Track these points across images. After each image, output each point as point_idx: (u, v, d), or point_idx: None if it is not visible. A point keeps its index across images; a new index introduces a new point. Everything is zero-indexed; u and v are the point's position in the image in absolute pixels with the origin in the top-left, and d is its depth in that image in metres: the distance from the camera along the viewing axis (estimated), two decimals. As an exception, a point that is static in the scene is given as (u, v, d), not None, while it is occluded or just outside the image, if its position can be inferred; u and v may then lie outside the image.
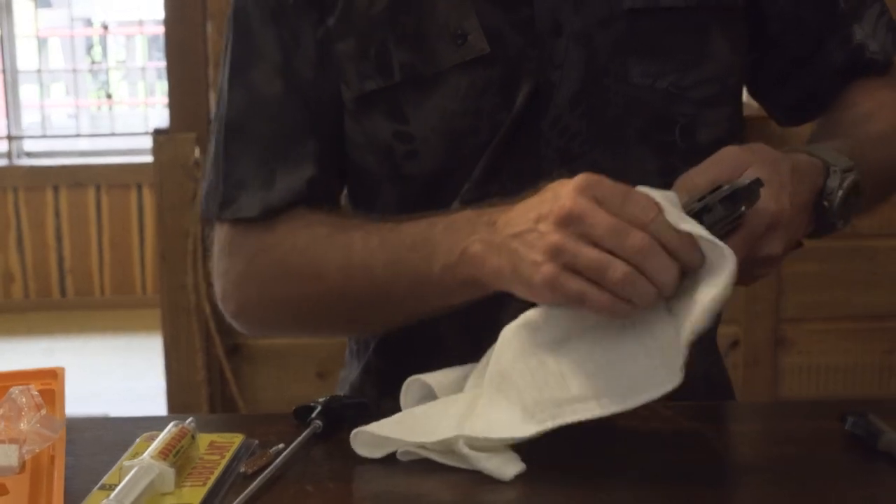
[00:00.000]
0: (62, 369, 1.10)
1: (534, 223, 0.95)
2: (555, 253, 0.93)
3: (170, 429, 0.99)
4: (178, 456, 0.96)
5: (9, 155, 5.70)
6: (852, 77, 1.23)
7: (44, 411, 0.96)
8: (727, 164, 0.99)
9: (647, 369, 0.94)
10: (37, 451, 0.96)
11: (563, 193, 0.94)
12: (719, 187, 0.95)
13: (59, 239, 5.66)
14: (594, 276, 0.92)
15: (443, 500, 0.94)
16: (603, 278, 0.92)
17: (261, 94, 1.17)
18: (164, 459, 0.94)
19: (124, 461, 0.94)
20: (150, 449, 0.95)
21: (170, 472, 0.93)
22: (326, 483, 0.96)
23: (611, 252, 0.91)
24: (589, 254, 0.92)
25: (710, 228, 0.93)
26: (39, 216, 5.63)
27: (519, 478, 0.95)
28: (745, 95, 1.26)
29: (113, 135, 5.94)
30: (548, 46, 1.13)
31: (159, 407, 3.23)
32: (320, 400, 1.08)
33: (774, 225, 0.98)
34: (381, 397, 1.23)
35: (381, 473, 0.98)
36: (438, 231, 1.05)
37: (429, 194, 1.16)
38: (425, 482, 0.96)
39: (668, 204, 0.93)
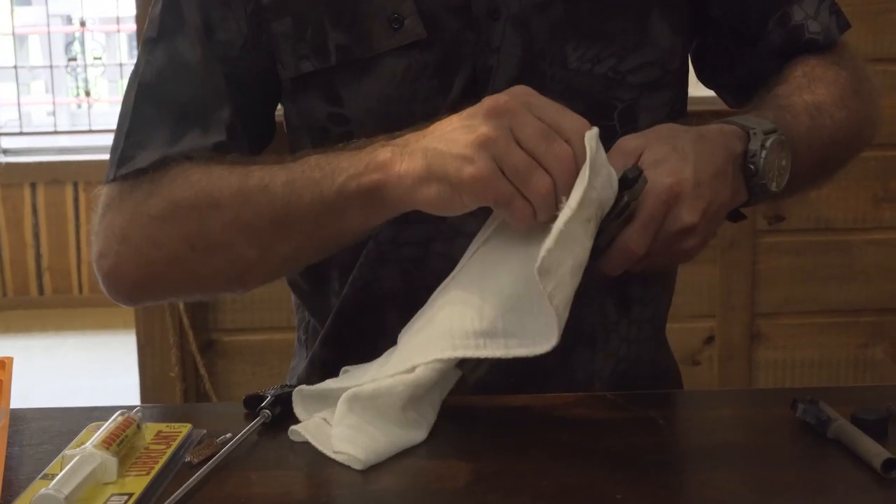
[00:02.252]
0: (10, 359, 1.09)
1: (459, 122, 0.95)
2: (487, 145, 0.92)
3: (115, 418, 0.98)
4: (123, 445, 0.95)
5: (-15, 152, 5.68)
6: (792, 56, 1.23)
7: (-16, 400, 0.95)
8: (620, 153, 1.00)
9: (540, 324, 0.95)
10: (-21, 440, 0.95)
11: (493, 96, 0.94)
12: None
13: (36, 236, 5.64)
14: (517, 180, 0.92)
15: (386, 486, 0.93)
16: (526, 184, 0.92)
17: (181, 60, 1.15)
18: (107, 449, 0.93)
19: (67, 450, 0.93)
20: (93, 438, 0.94)
21: (112, 462, 0.92)
22: (271, 471, 0.96)
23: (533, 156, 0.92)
24: (519, 154, 0.91)
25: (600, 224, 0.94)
26: (17, 214, 5.61)
27: (464, 467, 0.95)
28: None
29: (91, 132, 5.91)
30: (485, 30, 1.12)
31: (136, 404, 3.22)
32: (270, 390, 1.08)
33: (675, 197, 0.98)
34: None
35: (326, 462, 0.97)
36: (345, 152, 1.03)
37: None
38: (369, 474, 0.95)
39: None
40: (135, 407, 1.02)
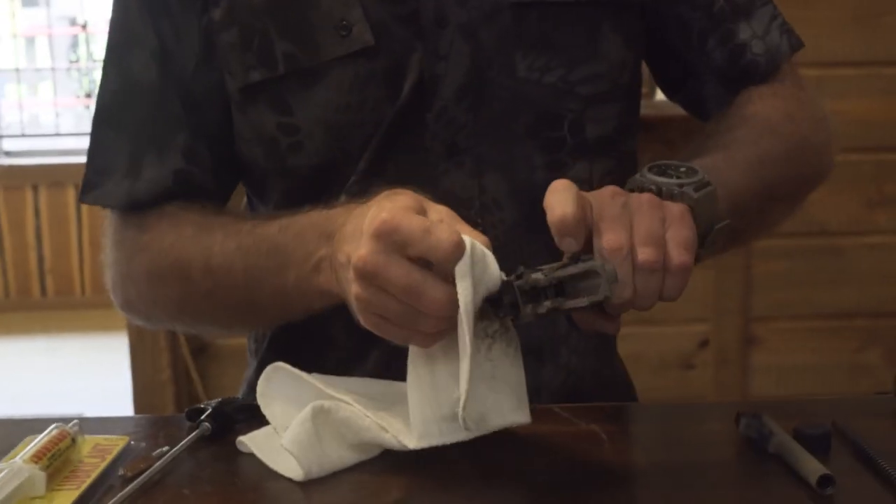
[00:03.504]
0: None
1: (346, 260, 0.93)
2: (362, 305, 0.91)
3: (49, 431, 0.98)
4: (55, 459, 0.94)
5: (-13, 154, 5.70)
6: (733, 81, 1.21)
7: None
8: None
9: (495, 400, 0.95)
10: None
11: (364, 237, 0.90)
12: (569, 263, 0.91)
13: (38, 238, 5.66)
14: (405, 325, 0.91)
15: (319, 501, 0.92)
16: (417, 329, 0.91)
17: (135, 81, 1.16)
18: (37, 463, 0.92)
19: (-3, 465, 0.93)
20: (22, 452, 0.94)
21: (40, 476, 0.91)
22: (205, 487, 0.95)
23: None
24: (394, 307, 0.90)
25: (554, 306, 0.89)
26: (19, 216, 5.63)
27: (404, 483, 0.94)
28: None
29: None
30: (433, 38, 1.12)
31: (131, 407, 3.23)
32: (212, 402, 1.07)
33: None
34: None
35: (263, 477, 0.96)
36: (290, 238, 1.04)
37: (315, 187, 1.14)
38: (304, 487, 0.94)
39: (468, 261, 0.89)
40: (72, 420, 1.01)
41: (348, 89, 1.12)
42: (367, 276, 0.89)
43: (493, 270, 0.90)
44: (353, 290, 0.91)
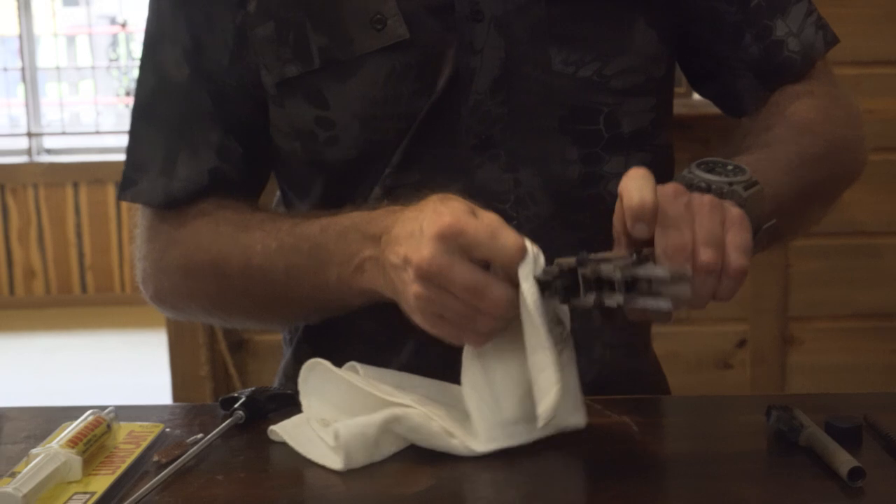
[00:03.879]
0: (-8, 358, 1.10)
1: (403, 262, 0.95)
2: (422, 304, 0.94)
3: (85, 417, 0.99)
4: (90, 444, 0.95)
5: (29, 152, 5.74)
6: (769, 77, 1.21)
7: (-48, 399, 0.96)
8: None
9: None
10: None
11: (425, 237, 0.93)
12: (636, 259, 0.92)
13: (79, 235, 5.70)
14: (464, 325, 0.94)
15: (352, 490, 0.93)
16: (473, 328, 0.94)
17: (168, 78, 1.17)
18: (73, 448, 0.93)
19: (33, 449, 0.94)
20: (59, 437, 0.95)
21: (76, 461, 0.93)
22: (238, 473, 0.96)
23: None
24: (454, 306, 0.93)
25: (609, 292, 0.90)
26: (60, 213, 5.68)
27: (433, 472, 0.94)
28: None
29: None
30: (468, 32, 1.12)
31: (170, 402, 3.26)
32: (245, 391, 1.08)
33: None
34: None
35: (295, 464, 0.97)
36: (331, 238, 1.06)
37: (350, 180, 1.15)
38: (336, 475, 0.95)
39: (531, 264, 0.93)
40: (107, 407, 1.03)
41: (383, 83, 1.12)
42: (430, 276, 0.92)
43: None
44: (412, 289, 0.94)
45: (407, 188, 1.10)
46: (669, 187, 0.94)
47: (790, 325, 3.22)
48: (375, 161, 1.14)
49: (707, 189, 0.98)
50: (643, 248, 0.93)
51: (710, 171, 1.00)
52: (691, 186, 0.98)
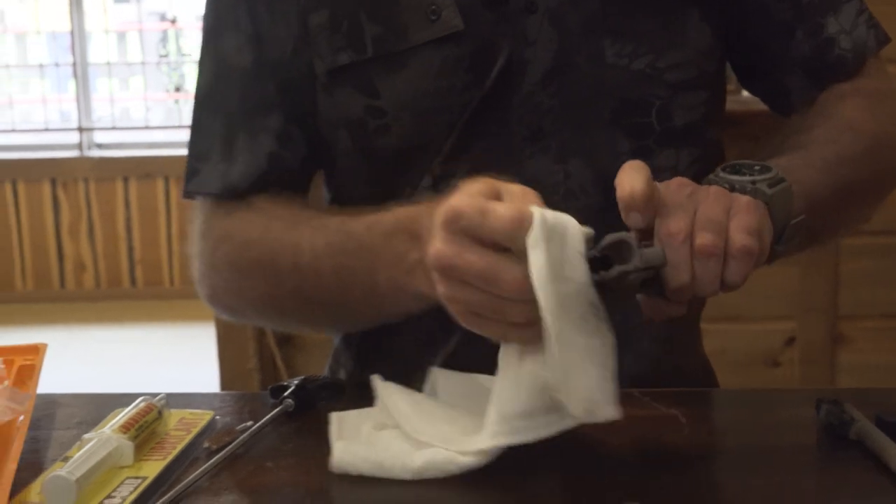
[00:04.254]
0: (44, 345, 1.11)
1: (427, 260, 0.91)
2: (450, 304, 0.90)
3: (137, 404, 1.00)
4: (141, 430, 0.96)
5: (80, 146, 5.80)
6: (820, 75, 1.20)
7: (6, 383, 0.97)
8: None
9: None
10: (3, 422, 0.97)
11: (434, 228, 0.89)
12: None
13: (128, 229, 5.75)
14: (497, 316, 0.88)
15: (401, 481, 0.93)
16: (506, 319, 0.88)
17: (229, 65, 1.17)
18: (125, 433, 0.95)
19: (86, 435, 0.95)
20: (111, 423, 0.96)
21: (128, 446, 0.94)
22: (287, 460, 0.97)
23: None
24: (478, 299, 0.88)
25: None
26: (110, 207, 5.73)
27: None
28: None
29: (182, 127, 6.01)
30: (521, 23, 1.12)
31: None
32: (295, 380, 1.08)
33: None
34: (359, 369, 1.25)
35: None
36: (378, 238, 1.02)
37: (399, 169, 1.15)
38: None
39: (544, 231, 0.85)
40: (158, 394, 1.04)
41: (436, 73, 1.12)
42: (444, 270, 0.88)
43: (574, 236, 0.87)
44: (439, 290, 0.90)
45: (456, 179, 1.10)
46: (674, 180, 0.94)
47: (840, 324, 3.20)
48: (425, 151, 1.14)
49: (730, 189, 0.96)
50: (643, 242, 0.91)
51: (736, 172, 0.99)
52: None
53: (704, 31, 1.15)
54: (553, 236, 0.86)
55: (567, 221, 0.87)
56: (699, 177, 1.12)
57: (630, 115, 1.14)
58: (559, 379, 0.87)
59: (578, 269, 0.86)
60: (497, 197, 0.89)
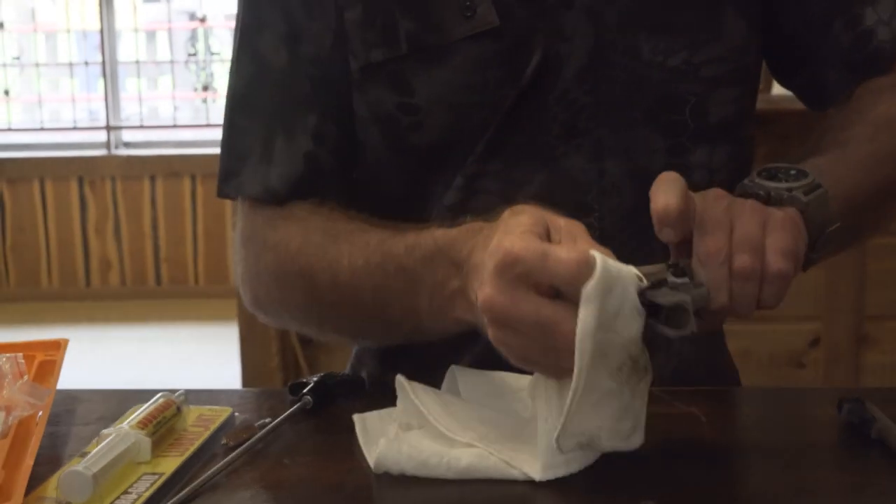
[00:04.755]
0: (66, 341, 1.11)
1: (475, 297, 0.89)
2: (502, 348, 0.88)
3: (156, 400, 1.00)
4: (160, 426, 0.97)
5: (107, 145, 5.82)
6: (858, 67, 1.18)
7: (26, 378, 0.97)
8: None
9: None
10: (23, 417, 0.97)
11: (486, 271, 0.86)
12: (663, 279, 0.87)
13: (155, 228, 5.77)
14: (550, 365, 0.87)
15: (419, 479, 0.93)
16: (560, 367, 0.85)
17: (265, 64, 1.16)
18: (143, 429, 0.95)
19: (104, 430, 0.95)
20: (130, 419, 0.96)
21: (146, 442, 0.94)
22: (305, 457, 0.96)
23: None
24: (531, 347, 0.86)
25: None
26: (136, 205, 5.75)
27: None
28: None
29: (208, 125, 6.03)
30: (557, 19, 1.11)
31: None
32: (314, 377, 1.08)
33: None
34: (381, 370, 1.24)
35: (362, 450, 0.97)
36: (418, 263, 1.00)
37: (432, 166, 1.14)
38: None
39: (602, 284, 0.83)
40: (177, 390, 1.04)
41: (471, 70, 1.11)
42: (497, 319, 0.85)
43: (631, 289, 0.84)
44: (490, 333, 0.88)
45: (489, 177, 1.09)
46: (711, 192, 0.93)
47: (865, 325, 3.18)
48: (459, 149, 1.13)
49: (766, 197, 0.95)
50: (680, 260, 0.90)
51: (772, 177, 0.98)
52: (748, 195, 0.96)
53: (740, 25, 1.14)
54: (613, 288, 0.83)
55: (626, 274, 0.84)
56: (733, 174, 1.11)
57: (665, 112, 1.13)
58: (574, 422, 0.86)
59: (632, 326, 0.85)
60: (547, 233, 0.87)
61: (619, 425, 0.87)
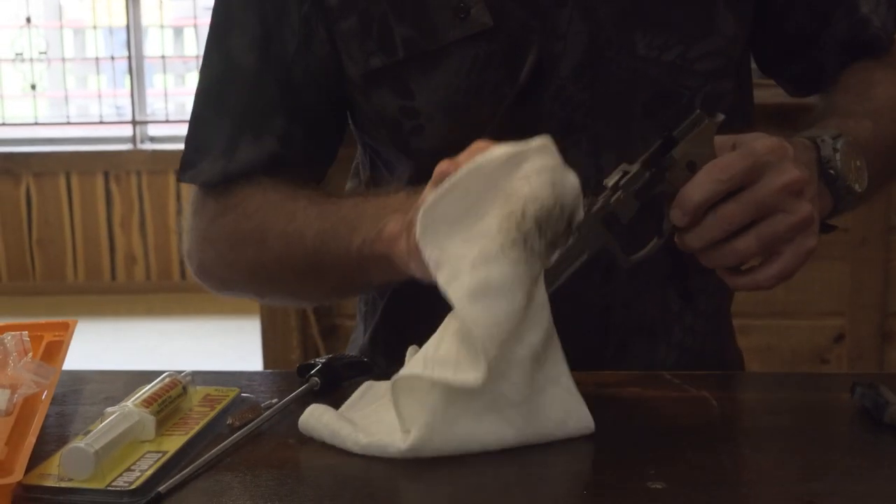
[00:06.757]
0: (75, 321, 1.11)
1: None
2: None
3: (162, 379, 1.00)
4: (165, 406, 0.96)
5: (133, 140, 5.84)
6: (855, 52, 1.20)
7: (30, 356, 0.97)
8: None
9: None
10: (28, 395, 0.97)
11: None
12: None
13: (180, 223, 5.78)
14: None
15: (425, 461, 0.92)
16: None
17: (235, 64, 1.17)
18: (148, 408, 0.94)
19: (108, 408, 0.95)
20: (134, 397, 0.96)
21: (150, 420, 0.93)
22: (310, 437, 0.96)
23: None
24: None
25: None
26: (161, 200, 5.76)
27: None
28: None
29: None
30: (551, 17, 1.11)
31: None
32: (322, 358, 1.08)
33: (797, 189, 0.94)
34: (388, 366, 1.22)
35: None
36: (371, 205, 1.05)
37: (435, 166, 1.14)
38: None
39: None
40: (183, 371, 1.03)
41: (468, 71, 1.12)
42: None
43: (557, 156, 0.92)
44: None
45: None
46: (776, 138, 0.96)
47: (890, 321, 3.16)
48: (460, 148, 1.13)
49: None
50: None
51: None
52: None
53: (728, 18, 1.15)
54: (545, 151, 0.93)
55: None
56: None
57: (661, 108, 1.13)
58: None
59: (543, 190, 0.91)
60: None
61: (476, 273, 0.90)
